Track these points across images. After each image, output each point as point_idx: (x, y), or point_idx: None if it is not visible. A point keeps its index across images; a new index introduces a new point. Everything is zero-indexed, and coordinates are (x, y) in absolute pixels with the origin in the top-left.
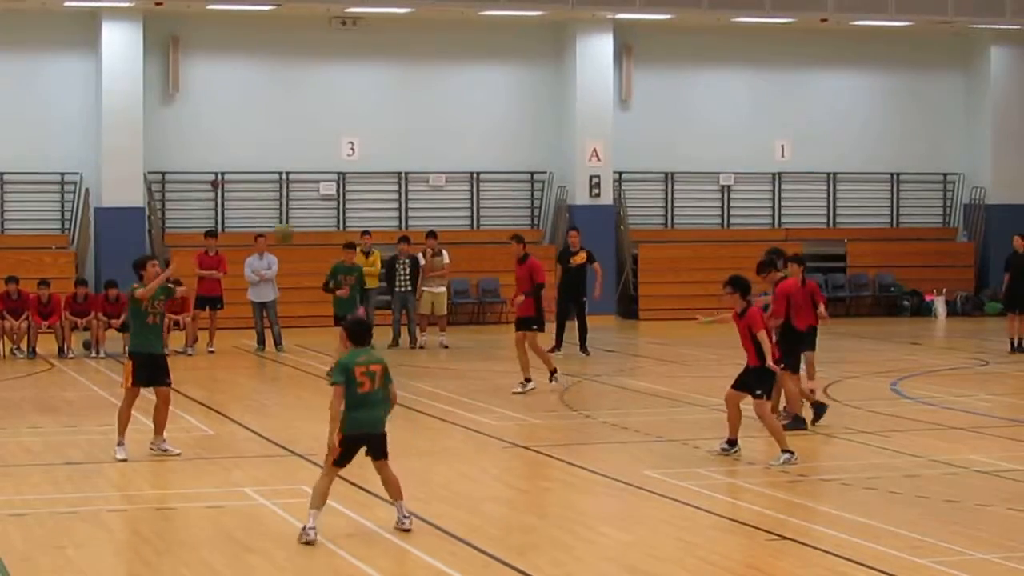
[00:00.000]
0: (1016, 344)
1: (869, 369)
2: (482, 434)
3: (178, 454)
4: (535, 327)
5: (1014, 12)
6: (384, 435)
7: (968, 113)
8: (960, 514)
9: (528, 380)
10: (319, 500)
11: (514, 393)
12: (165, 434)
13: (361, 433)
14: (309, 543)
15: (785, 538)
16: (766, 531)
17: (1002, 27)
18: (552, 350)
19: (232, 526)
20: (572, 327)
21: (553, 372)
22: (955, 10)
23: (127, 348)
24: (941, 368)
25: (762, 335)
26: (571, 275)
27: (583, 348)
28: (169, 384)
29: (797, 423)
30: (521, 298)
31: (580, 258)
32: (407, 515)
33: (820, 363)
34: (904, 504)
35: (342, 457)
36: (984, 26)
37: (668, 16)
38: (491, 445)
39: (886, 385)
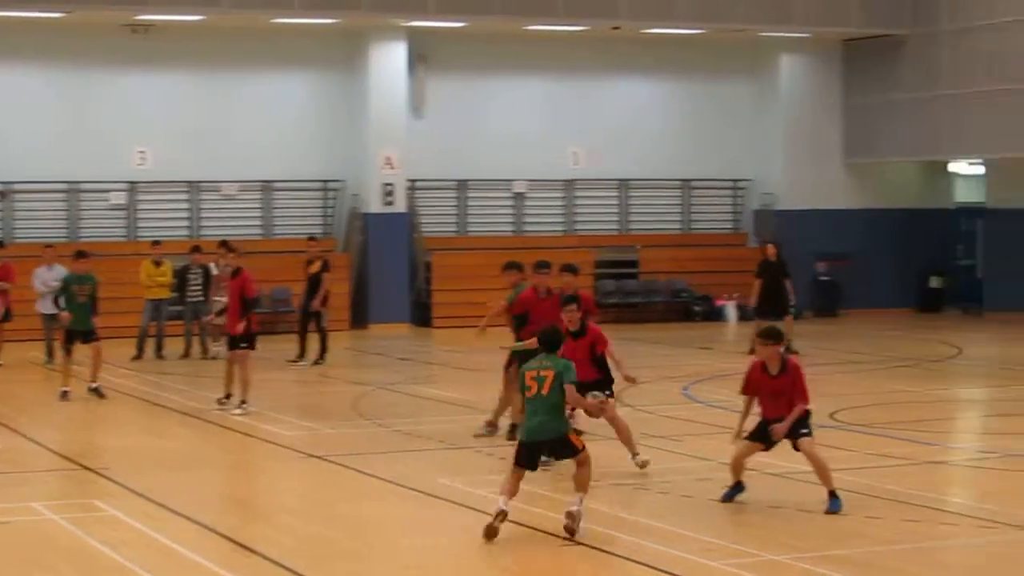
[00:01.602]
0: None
1: (661, 374)
2: (276, 445)
3: None
4: (244, 345)
5: (803, 20)
6: (560, 439)
7: (758, 120)
8: (751, 516)
9: (229, 396)
10: (507, 488)
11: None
12: None
13: (535, 442)
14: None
15: (581, 543)
16: (563, 537)
17: (791, 35)
18: (296, 360)
19: (20, 542)
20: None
21: (227, 396)
22: (745, 18)
23: None
24: (732, 372)
25: (613, 350)
26: (309, 284)
27: (320, 357)
28: None
29: (491, 430)
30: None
31: (315, 267)
32: (575, 508)
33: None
34: (696, 507)
35: (524, 459)
36: (774, 34)
37: (461, 23)
38: (286, 456)
39: (678, 389)
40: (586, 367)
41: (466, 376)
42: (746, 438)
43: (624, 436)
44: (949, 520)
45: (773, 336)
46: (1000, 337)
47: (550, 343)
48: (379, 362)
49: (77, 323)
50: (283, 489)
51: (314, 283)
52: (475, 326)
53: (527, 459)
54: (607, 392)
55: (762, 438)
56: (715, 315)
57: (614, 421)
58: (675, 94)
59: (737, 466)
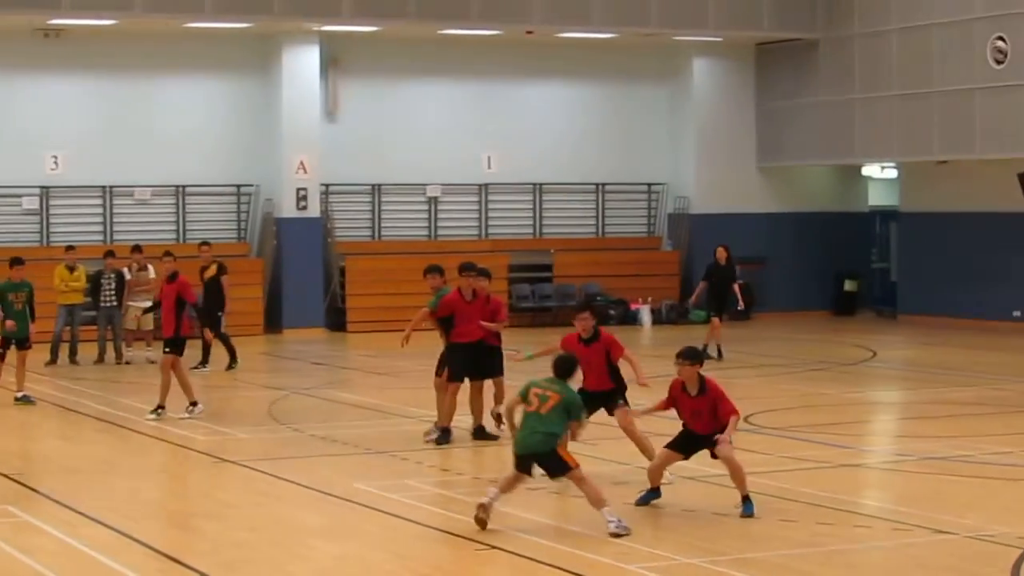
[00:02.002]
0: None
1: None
2: (191, 450)
3: None
4: (167, 350)
5: (716, 24)
6: (548, 454)
7: (672, 124)
8: (666, 519)
9: (162, 407)
10: (502, 483)
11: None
12: None
13: (525, 454)
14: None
15: (495, 548)
16: (476, 541)
17: (704, 39)
18: (198, 365)
19: None
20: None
21: (193, 404)
22: (658, 22)
23: None
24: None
25: (629, 354)
26: (206, 289)
27: (232, 361)
28: None
29: (444, 436)
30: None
31: (211, 272)
32: (612, 519)
33: (527, 372)
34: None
35: (519, 467)
36: (687, 38)
37: (375, 28)
38: (201, 461)
39: None
40: (602, 375)
41: (381, 380)
42: (666, 447)
43: (642, 446)
44: (864, 523)
45: (691, 356)
46: (914, 340)
47: (563, 370)
48: (293, 367)
49: (16, 330)
50: (199, 494)
51: (213, 288)
52: (391, 330)
53: (522, 467)
54: (620, 400)
55: (682, 448)
56: (630, 319)
57: (630, 431)
58: (589, 98)
59: (655, 473)
